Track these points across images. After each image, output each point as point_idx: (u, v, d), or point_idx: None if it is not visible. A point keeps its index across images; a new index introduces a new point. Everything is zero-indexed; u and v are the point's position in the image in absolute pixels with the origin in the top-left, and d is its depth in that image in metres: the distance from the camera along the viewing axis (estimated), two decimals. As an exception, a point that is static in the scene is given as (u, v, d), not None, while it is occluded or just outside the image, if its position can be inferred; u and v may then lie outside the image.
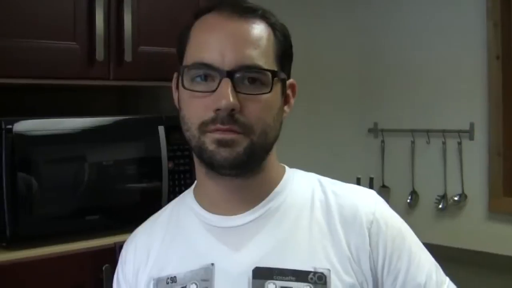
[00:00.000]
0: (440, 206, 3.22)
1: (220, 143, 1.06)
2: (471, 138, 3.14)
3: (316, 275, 1.08)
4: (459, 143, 3.17)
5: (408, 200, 3.34)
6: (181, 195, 1.29)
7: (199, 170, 1.17)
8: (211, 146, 1.07)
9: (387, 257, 1.12)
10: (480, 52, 3.06)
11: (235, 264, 1.10)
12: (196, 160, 1.16)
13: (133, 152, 1.77)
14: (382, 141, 3.47)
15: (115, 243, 1.62)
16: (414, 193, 3.34)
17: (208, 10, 1.12)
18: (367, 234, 1.12)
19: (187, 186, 1.76)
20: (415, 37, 3.33)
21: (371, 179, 3.42)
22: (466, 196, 3.15)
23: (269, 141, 1.11)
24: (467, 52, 3.13)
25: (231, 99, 1.03)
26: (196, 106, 1.08)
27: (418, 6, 3.32)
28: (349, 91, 3.49)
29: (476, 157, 3.12)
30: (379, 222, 1.13)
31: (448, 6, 3.19)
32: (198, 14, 1.14)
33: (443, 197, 3.22)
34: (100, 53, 1.65)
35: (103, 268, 1.59)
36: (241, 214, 1.14)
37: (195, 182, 1.24)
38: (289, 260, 1.09)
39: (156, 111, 1.94)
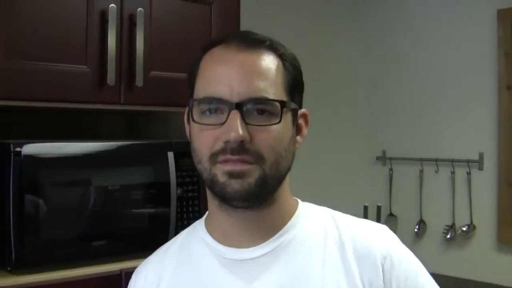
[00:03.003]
0: (448, 236, 3.20)
1: (232, 175, 1.05)
2: (480, 168, 3.13)
3: None
4: (468, 173, 3.15)
5: (416, 230, 3.32)
6: (192, 226, 1.27)
7: (211, 202, 1.16)
8: (222, 178, 1.06)
9: None
10: (491, 82, 3.06)
11: None
12: (208, 192, 1.15)
13: (142, 177, 1.75)
14: (390, 169, 3.45)
15: (121, 270, 1.59)
16: (422, 222, 3.32)
17: (216, 43, 1.13)
18: (381, 269, 1.10)
19: (195, 213, 1.77)
20: (425, 65, 3.33)
21: (379, 208, 3.40)
22: (474, 227, 3.13)
23: (281, 172, 1.10)
24: (477, 81, 3.12)
25: (240, 131, 1.03)
26: (206, 137, 1.08)
27: (429, 34, 3.32)
28: (357, 119, 3.48)
29: (485, 187, 3.10)
30: (392, 258, 1.12)
31: (460, 35, 3.19)
32: (206, 47, 1.14)
33: (451, 227, 3.20)
34: (111, 77, 1.64)
35: (109, 295, 1.57)
36: (254, 247, 1.13)
37: (207, 212, 1.23)
38: None
39: (166, 136, 1.93)
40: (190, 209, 1.78)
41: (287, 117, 1.10)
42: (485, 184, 3.10)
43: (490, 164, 3.09)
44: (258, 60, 1.08)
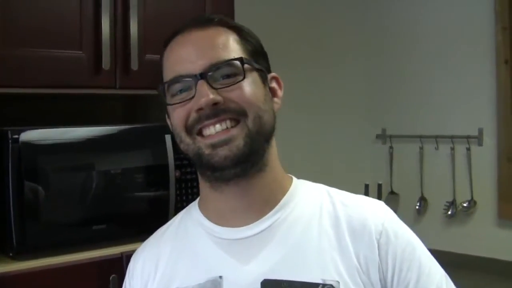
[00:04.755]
0: (449, 212, 3.21)
1: (215, 146, 1.07)
2: (480, 143, 3.13)
3: (325, 287, 1.06)
4: (468, 149, 3.15)
5: (417, 207, 3.33)
6: (187, 208, 1.27)
7: (203, 184, 1.17)
8: (207, 150, 1.08)
9: (397, 268, 1.10)
10: (489, 57, 3.04)
11: (243, 276, 1.09)
12: (200, 176, 1.17)
13: (140, 160, 1.76)
14: (391, 147, 3.45)
15: (122, 253, 1.60)
16: (423, 200, 3.33)
17: (173, 36, 1.16)
18: (376, 245, 1.10)
19: (194, 195, 1.77)
20: (423, 41, 3.32)
21: (380, 186, 3.41)
22: (475, 202, 3.13)
23: (266, 127, 1.12)
24: (475, 57, 3.12)
25: (211, 95, 1.06)
26: (179, 113, 1.11)
27: (426, 10, 3.30)
28: (357, 97, 3.48)
29: (485, 163, 3.10)
30: (388, 233, 1.12)
31: (457, 10, 3.18)
32: (166, 42, 1.18)
33: (452, 203, 3.20)
34: (106, 62, 1.64)
35: (110, 278, 1.57)
36: (249, 226, 1.13)
37: (198, 198, 1.24)
38: (298, 272, 1.08)
39: (164, 119, 1.93)
40: (189, 191, 1.79)
41: (253, 75, 1.12)
42: (485, 159, 3.11)
43: (489, 139, 3.09)
44: (213, 34, 1.12)
